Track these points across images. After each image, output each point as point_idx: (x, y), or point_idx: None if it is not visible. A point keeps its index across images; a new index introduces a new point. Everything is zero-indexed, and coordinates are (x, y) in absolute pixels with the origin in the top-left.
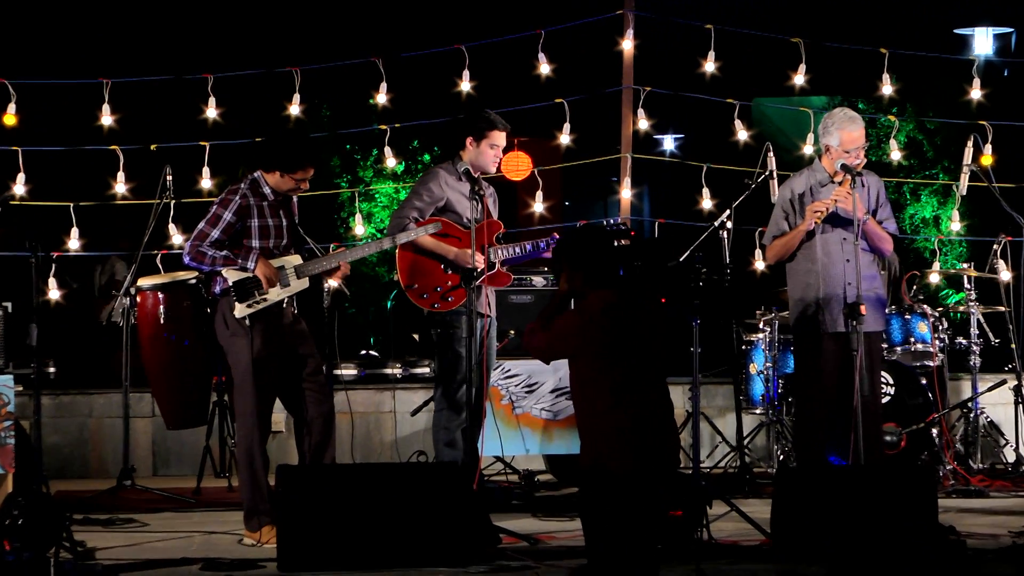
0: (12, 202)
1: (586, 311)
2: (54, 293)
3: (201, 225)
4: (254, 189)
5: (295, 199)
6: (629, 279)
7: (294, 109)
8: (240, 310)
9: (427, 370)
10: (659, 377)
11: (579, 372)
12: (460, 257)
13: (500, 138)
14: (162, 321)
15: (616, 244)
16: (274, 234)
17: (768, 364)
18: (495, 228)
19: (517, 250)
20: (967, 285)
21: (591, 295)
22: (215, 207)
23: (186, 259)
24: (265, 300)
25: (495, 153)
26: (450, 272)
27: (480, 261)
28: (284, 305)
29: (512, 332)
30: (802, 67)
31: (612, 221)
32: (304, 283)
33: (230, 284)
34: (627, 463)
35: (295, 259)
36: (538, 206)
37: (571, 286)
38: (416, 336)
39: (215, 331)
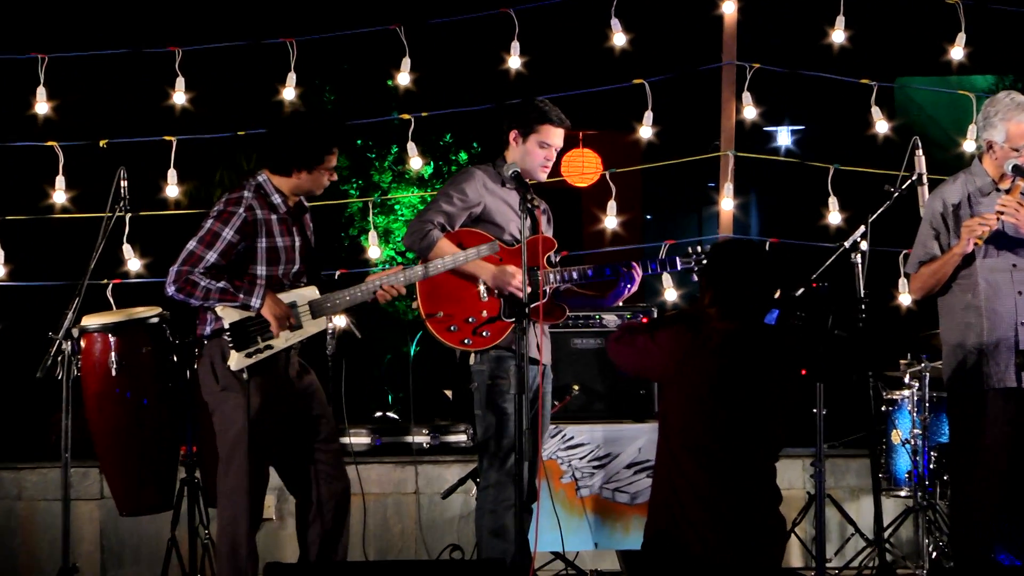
0: None
1: (703, 336)
2: None
3: (192, 245)
4: (260, 198)
5: (308, 214)
6: (776, 329)
7: (287, 93)
8: (237, 360)
9: (463, 437)
10: (771, 445)
11: (668, 407)
12: (500, 278)
13: (554, 135)
14: (114, 373)
15: (776, 281)
16: (285, 258)
17: (916, 431)
18: (548, 245)
19: (575, 275)
20: None
21: (716, 321)
22: (211, 222)
23: (170, 290)
24: (270, 348)
25: (546, 155)
26: (486, 299)
27: (523, 286)
28: (291, 353)
29: (576, 388)
30: (960, 37)
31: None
32: (321, 324)
33: (225, 325)
34: (708, 543)
35: (311, 292)
36: (610, 220)
37: (699, 303)
38: (448, 393)
39: (197, 385)
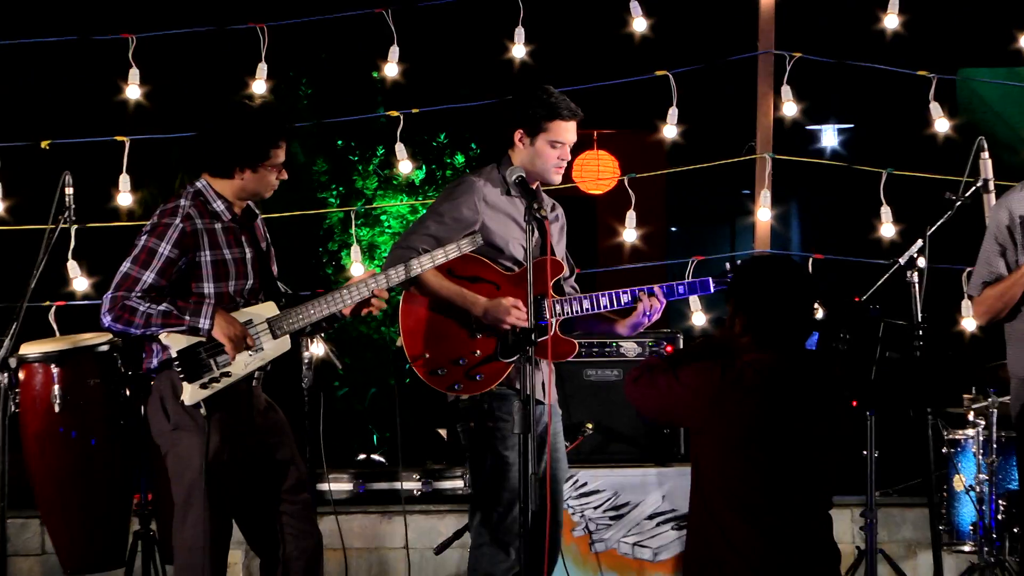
0: None
1: (734, 372)
2: None
3: (126, 267)
4: (200, 205)
5: (260, 219)
6: (819, 356)
7: (258, 86)
8: (190, 393)
9: (459, 483)
10: (823, 493)
11: (700, 455)
12: (493, 312)
13: (566, 131)
14: (57, 409)
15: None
16: (235, 272)
17: (982, 476)
18: (556, 270)
19: (587, 305)
20: None
21: (749, 353)
22: (144, 238)
23: (106, 320)
24: (228, 376)
25: (559, 154)
26: (480, 336)
27: (521, 321)
28: (254, 382)
29: (589, 426)
30: None
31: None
32: (284, 345)
33: (173, 354)
34: None
35: (268, 308)
36: (628, 233)
37: (728, 332)
38: (443, 432)
39: (147, 424)
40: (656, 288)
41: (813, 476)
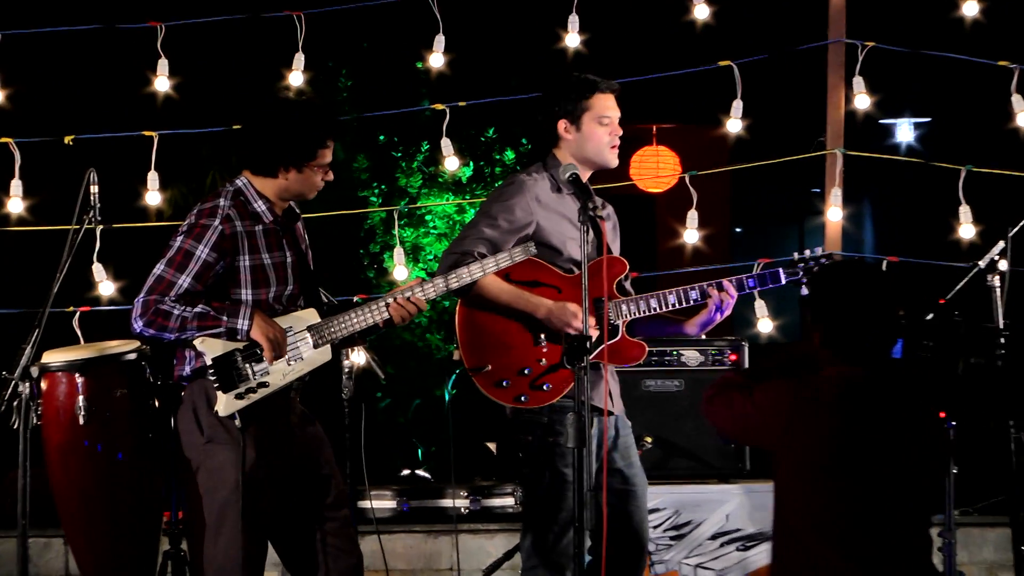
0: None
1: (812, 390)
2: None
3: (160, 269)
4: (240, 206)
5: (302, 221)
6: (905, 365)
7: (295, 78)
8: (225, 403)
9: (510, 501)
10: (919, 514)
11: (782, 477)
12: (558, 315)
13: (609, 103)
14: (82, 421)
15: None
16: (275, 278)
17: None
18: (617, 269)
19: (654, 304)
20: None
21: (828, 367)
22: (181, 239)
23: (137, 326)
24: (265, 386)
25: (610, 131)
26: (546, 343)
27: (592, 324)
28: (292, 393)
29: (648, 440)
30: None
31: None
32: (325, 355)
33: (208, 361)
34: None
35: (310, 315)
36: (690, 234)
37: (806, 344)
38: (492, 446)
39: (177, 437)
40: (725, 282)
41: (907, 497)
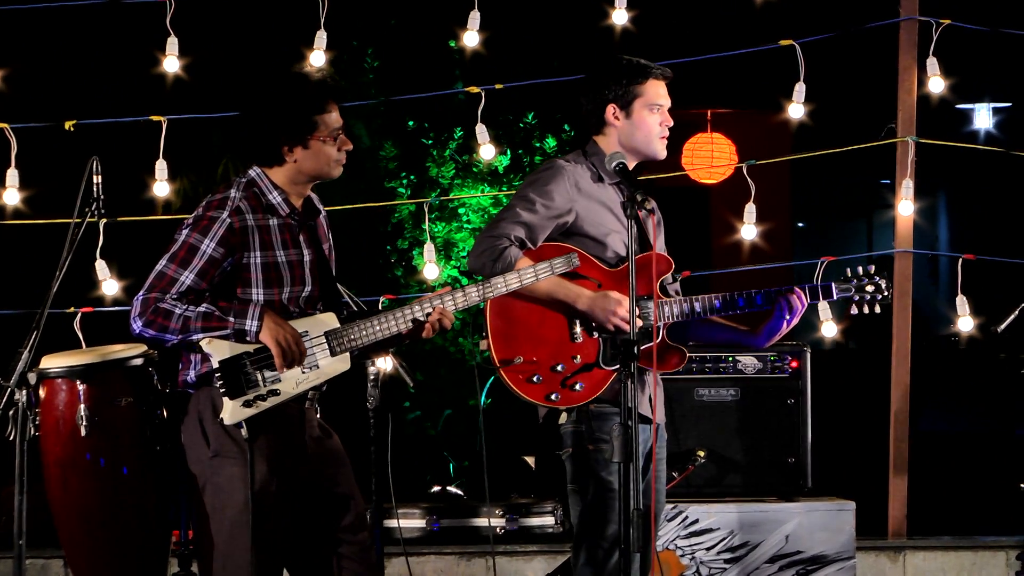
0: None
1: None
2: None
3: (162, 265)
4: (253, 198)
5: (324, 216)
6: None
7: (316, 57)
8: (231, 410)
9: (549, 520)
10: None
11: None
12: (601, 305)
13: (661, 90)
14: (83, 433)
15: None
16: (291, 277)
17: None
18: (663, 266)
19: (698, 308)
20: None
21: None
22: (185, 232)
23: (136, 326)
24: (276, 394)
25: (661, 119)
26: (581, 338)
27: (638, 321)
28: (306, 404)
29: (701, 454)
30: None
31: None
32: (343, 364)
33: (214, 365)
34: None
35: (328, 320)
36: (747, 229)
37: None
38: (530, 460)
39: (182, 450)
40: (796, 289)
41: None
